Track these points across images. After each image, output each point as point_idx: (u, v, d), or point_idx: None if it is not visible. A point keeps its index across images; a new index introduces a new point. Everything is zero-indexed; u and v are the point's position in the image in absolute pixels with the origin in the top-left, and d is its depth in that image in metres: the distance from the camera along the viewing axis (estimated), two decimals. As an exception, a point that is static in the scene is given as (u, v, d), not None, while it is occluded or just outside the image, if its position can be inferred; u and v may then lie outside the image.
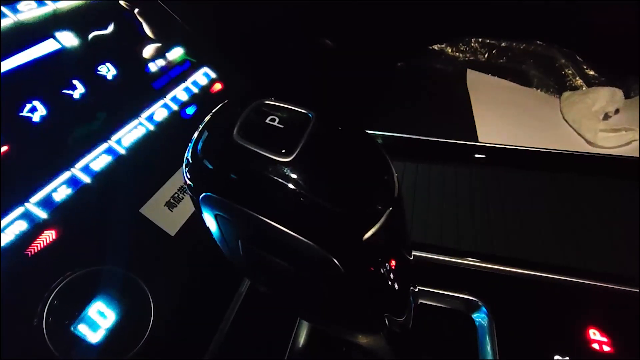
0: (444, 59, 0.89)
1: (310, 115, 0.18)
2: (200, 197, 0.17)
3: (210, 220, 0.19)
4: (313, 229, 0.16)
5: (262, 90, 0.52)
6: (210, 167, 0.17)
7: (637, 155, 0.50)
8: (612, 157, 0.47)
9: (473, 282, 0.34)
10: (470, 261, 0.37)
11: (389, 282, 0.20)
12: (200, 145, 0.17)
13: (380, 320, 0.22)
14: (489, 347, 0.30)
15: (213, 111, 0.19)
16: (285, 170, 0.15)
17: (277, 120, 0.17)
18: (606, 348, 0.30)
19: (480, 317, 0.32)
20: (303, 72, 0.73)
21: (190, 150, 0.18)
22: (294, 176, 0.15)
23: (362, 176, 0.18)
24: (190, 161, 0.18)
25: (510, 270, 0.36)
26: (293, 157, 0.16)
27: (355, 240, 0.17)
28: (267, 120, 0.17)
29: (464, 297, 0.33)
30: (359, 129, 0.19)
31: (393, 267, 0.20)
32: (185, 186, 0.19)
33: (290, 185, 0.15)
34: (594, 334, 0.30)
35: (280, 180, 0.15)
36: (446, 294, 0.34)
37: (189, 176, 0.18)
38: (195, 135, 0.18)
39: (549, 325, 0.32)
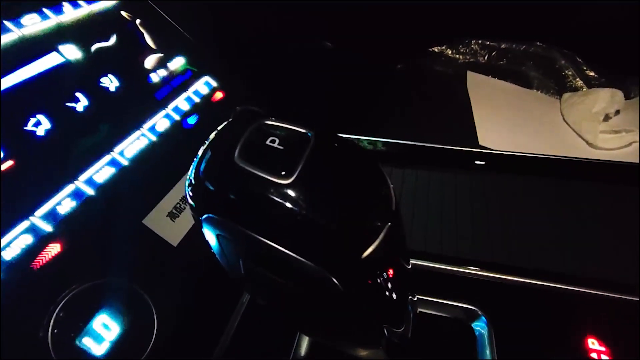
0: (444, 61, 0.89)
1: (309, 134, 0.18)
2: (203, 217, 0.18)
3: (211, 239, 0.19)
4: (313, 249, 0.16)
5: (263, 96, 0.52)
6: (212, 189, 0.17)
7: (637, 161, 0.50)
8: (612, 163, 0.47)
9: (472, 291, 0.34)
10: (470, 270, 0.37)
11: (387, 293, 0.20)
12: (202, 166, 0.18)
13: (379, 332, 0.22)
14: (488, 356, 0.30)
15: (216, 131, 0.19)
16: (285, 192, 0.16)
17: (277, 141, 0.17)
18: (605, 357, 0.30)
19: (479, 326, 0.33)
20: (303, 77, 0.73)
21: (193, 171, 0.18)
22: (293, 198, 0.16)
23: (360, 194, 0.18)
24: (193, 182, 0.18)
25: (509, 279, 0.36)
26: (293, 179, 0.16)
27: (354, 259, 0.17)
28: (267, 142, 0.17)
29: (463, 306, 0.34)
30: (355, 145, 0.19)
31: (391, 278, 0.20)
32: (188, 205, 0.19)
33: (291, 207, 0.16)
34: (592, 343, 0.30)
35: (280, 202, 0.16)
36: (445, 303, 0.34)
37: (191, 195, 0.19)
38: (199, 155, 0.18)
39: (548, 334, 0.32)
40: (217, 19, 0.59)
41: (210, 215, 0.17)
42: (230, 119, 0.20)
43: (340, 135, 0.19)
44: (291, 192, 0.16)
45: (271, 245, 0.16)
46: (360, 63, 0.83)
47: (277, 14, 0.69)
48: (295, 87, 0.70)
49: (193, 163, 0.18)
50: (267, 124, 0.18)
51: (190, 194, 0.19)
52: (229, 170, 0.17)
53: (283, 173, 0.16)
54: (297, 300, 0.20)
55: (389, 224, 0.18)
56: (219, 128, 0.20)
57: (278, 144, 0.17)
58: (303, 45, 0.79)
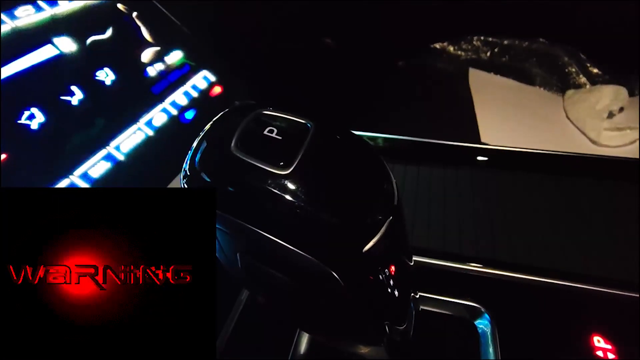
0: (446, 58, 0.88)
1: (308, 125, 0.17)
2: (198, 210, 0.17)
3: (208, 233, 0.19)
4: (313, 242, 0.16)
5: (262, 92, 0.51)
6: (208, 180, 0.17)
7: (638, 157, 0.49)
8: (614, 159, 0.47)
9: (475, 288, 0.34)
10: (473, 266, 0.36)
11: (389, 290, 0.20)
12: (198, 157, 0.17)
13: (381, 330, 0.22)
14: (491, 354, 0.30)
15: (212, 121, 0.19)
16: (283, 183, 0.15)
17: (276, 131, 0.17)
18: (610, 355, 0.29)
19: (482, 324, 0.32)
20: (303, 73, 0.72)
21: (188, 162, 0.18)
22: (292, 189, 0.15)
23: (361, 186, 0.17)
24: (189, 173, 0.18)
25: (513, 276, 0.35)
26: (291, 170, 0.15)
27: (355, 252, 0.16)
28: (265, 132, 0.17)
29: (466, 304, 0.33)
30: (357, 137, 0.19)
31: (393, 275, 0.19)
32: (183, 198, 0.19)
33: (289, 199, 0.15)
34: (598, 341, 0.30)
35: (278, 193, 0.15)
36: (448, 300, 0.33)
37: (186, 187, 0.18)
38: (194, 145, 0.18)
39: (552, 332, 0.31)
40: (215, 13, 0.58)
41: (206, 207, 0.17)
42: (227, 110, 0.20)
43: (341, 125, 0.19)
44: (289, 183, 0.15)
45: (269, 238, 0.15)
46: (361, 60, 0.82)
47: (278, 9, 0.69)
48: (295, 83, 0.69)
49: (188, 154, 0.18)
50: (265, 114, 0.18)
51: (186, 186, 0.18)
52: (226, 161, 0.16)
53: (281, 163, 0.15)
54: (297, 296, 0.20)
55: (391, 218, 0.17)
56: (215, 118, 0.19)
57: (276, 134, 0.17)
58: (304, 41, 0.78)
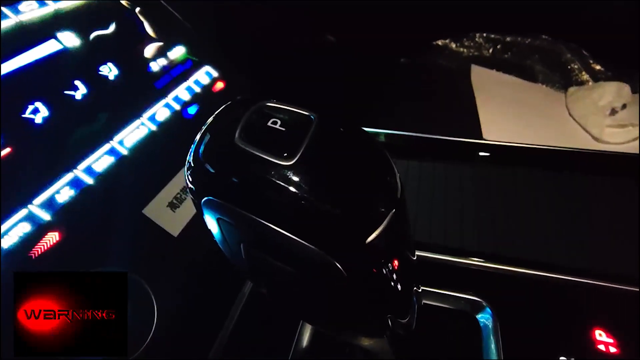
0: (448, 55, 0.88)
1: (312, 117, 0.17)
2: (202, 201, 0.17)
3: (212, 224, 0.19)
4: (316, 233, 0.16)
5: (265, 88, 0.52)
6: (212, 171, 0.17)
7: (638, 152, 0.49)
8: (615, 155, 0.47)
9: (477, 283, 0.34)
10: (475, 261, 0.36)
11: (392, 284, 0.20)
12: (202, 148, 0.17)
13: (383, 322, 0.22)
14: (493, 348, 0.30)
15: (215, 113, 0.19)
16: (287, 174, 0.15)
17: (279, 123, 0.17)
18: (612, 349, 0.29)
19: (484, 318, 0.32)
20: (305, 69, 0.72)
21: (192, 153, 0.18)
22: (296, 180, 0.15)
23: (364, 178, 0.17)
24: (192, 164, 0.18)
25: (514, 270, 0.35)
26: (295, 161, 0.15)
27: (358, 243, 0.16)
28: (269, 123, 0.17)
29: (468, 298, 0.33)
30: (361, 130, 0.19)
31: (396, 268, 0.19)
32: (187, 189, 0.19)
33: (293, 189, 0.15)
34: (599, 334, 0.30)
35: (282, 184, 0.15)
36: (450, 295, 0.33)
37: (190, 179, 0.18)
38: (197, 137, 0.18)
39: (554, 326, 0.31)
40: (217, 8, 0.58)
41: (210, 197, 0.17)
42: (230, 102, 0.20)
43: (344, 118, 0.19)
44: (293, 174, 0.15)
45: (272, 228, 0.16)
46: (363, 57, 0.82)
47: (281, 5, 0.69)
48: (297, 79, 0.69)
49: (192, 145, 0.18)
50: (268, 105, 0.18)
51: (190, 178, 0.18)
52: (229, 152, 0.16)
53: (285, 154, 0.15)
54: (300, 288, 0.20)
55: (394, 210, 0.17)
56: (218, 110, 0.19)
57: (280, 126, 0.17)
58: (306, 38, 0.78)
